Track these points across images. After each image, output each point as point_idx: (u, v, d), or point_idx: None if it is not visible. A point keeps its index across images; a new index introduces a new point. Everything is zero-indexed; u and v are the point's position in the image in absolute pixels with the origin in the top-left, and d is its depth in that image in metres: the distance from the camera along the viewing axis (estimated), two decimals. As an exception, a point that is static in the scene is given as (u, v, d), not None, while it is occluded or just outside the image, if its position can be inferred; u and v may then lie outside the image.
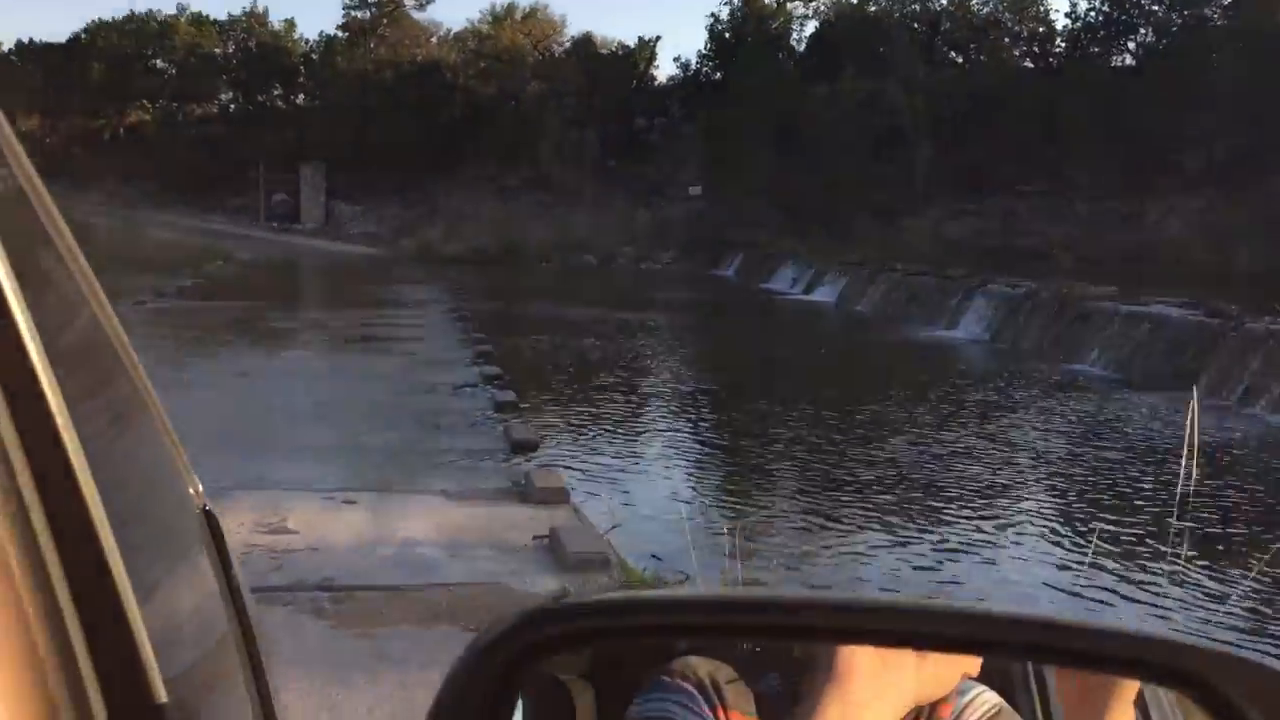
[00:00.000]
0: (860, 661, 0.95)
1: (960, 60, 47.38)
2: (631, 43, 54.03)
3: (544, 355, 18.90)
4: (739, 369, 18.71)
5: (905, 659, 0.98)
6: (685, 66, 52.92)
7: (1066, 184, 39.20)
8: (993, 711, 1.11)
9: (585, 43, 55.30)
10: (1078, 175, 38.62)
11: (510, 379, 14.76)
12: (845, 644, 0.95)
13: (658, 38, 70.20)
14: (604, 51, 54.13)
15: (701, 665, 1.12)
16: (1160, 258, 31.22)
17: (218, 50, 58.11)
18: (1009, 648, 0.86)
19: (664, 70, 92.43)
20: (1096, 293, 21.21)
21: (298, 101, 58.47)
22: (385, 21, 59.78)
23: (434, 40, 57.67)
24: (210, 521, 1.15)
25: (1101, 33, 43.23)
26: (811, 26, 49.91)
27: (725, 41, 50.75)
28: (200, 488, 1.20)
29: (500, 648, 0.83)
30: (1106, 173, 37.48)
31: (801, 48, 49.57)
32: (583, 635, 0.94)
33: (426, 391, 13.91)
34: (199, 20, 58.33)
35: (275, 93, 57.71)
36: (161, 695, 0.60)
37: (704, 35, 53.05)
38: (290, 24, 59.11)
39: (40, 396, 0.59)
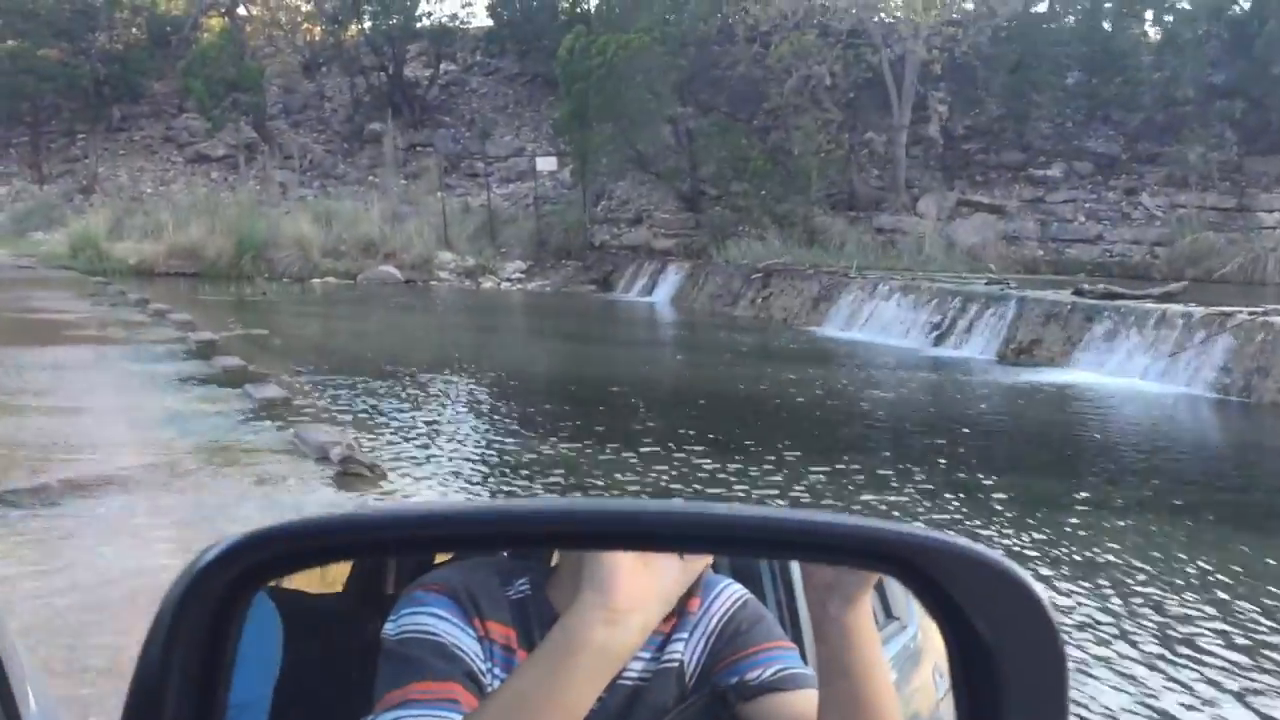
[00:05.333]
0: (622, 565, 0.94)
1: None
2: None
3: None
4: None
5: (665, 558, 0.96)
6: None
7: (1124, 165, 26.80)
8: (739, 603, 1.12)
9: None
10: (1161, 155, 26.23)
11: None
12: (604, 549, 0.95)
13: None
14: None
15: (455, 575, 1.09)
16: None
17: None
18: (740, 544, 0.90)
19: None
20: None
21: None
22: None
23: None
24: None
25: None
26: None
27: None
28: None
29: (213, 574, 0.78)
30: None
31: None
32: (308, 554, 0.91)
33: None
34: None
35: None
36: None
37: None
38: None
39: None
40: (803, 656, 1.12)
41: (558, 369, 13.47)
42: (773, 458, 7.90)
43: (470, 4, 46.60)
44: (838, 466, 7.72)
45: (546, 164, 28.91)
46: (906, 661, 1.29)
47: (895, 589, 1.17)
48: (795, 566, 1.18)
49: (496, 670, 1.06)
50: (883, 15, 27.67)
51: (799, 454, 8.19)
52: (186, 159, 34.87)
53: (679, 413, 10.01)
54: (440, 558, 1.20)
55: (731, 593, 1.14)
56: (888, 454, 8.57)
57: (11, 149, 35.14)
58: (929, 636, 1.19)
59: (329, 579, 1.30)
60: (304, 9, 38.53)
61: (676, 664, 1.11)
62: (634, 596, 0.95)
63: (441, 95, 38.06)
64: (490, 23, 37.60)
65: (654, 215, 29.97)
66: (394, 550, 1.07)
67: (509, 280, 26.33)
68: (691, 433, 8.68)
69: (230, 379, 9.78)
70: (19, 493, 5.37)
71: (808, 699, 1.04)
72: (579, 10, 36.49)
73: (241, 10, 35.95)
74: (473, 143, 35.53)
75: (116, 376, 9.80)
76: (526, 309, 21.60)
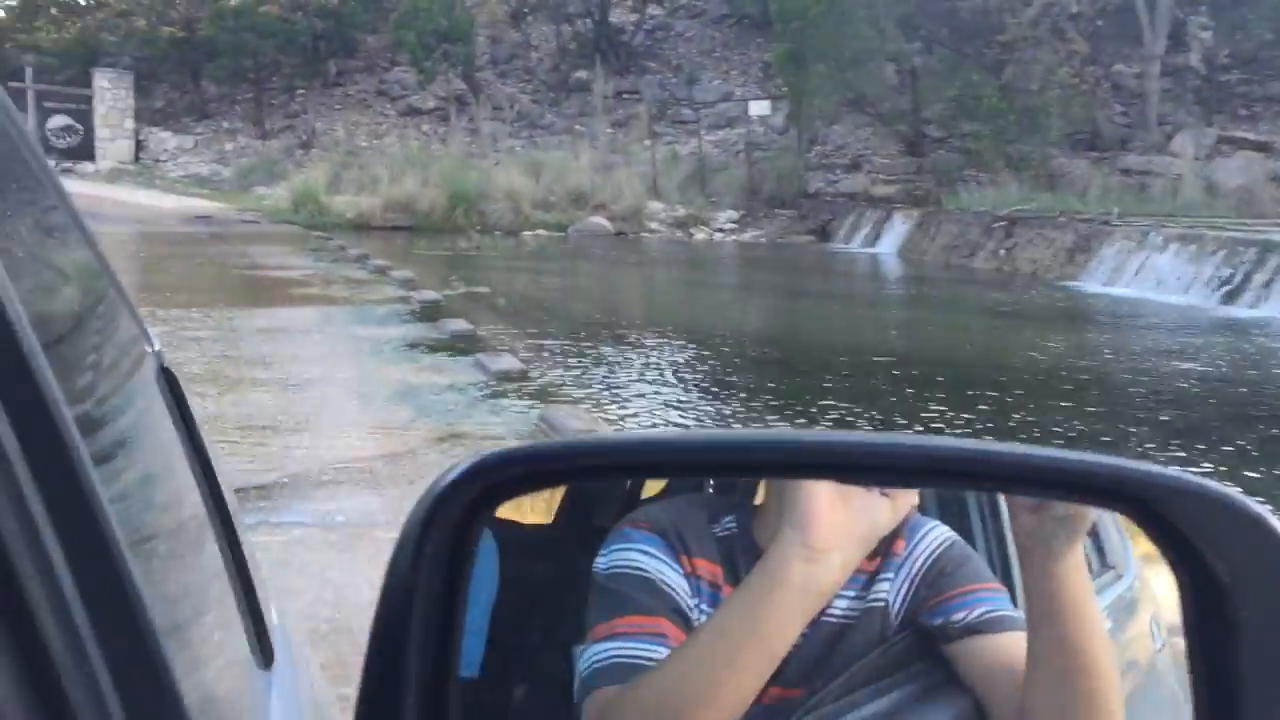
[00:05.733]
0: (821, 501, 0.94)
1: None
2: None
3: None
4: None
5: (864, 497, 0.95)
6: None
7: None
8: (946, 544, 1.10)
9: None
10: None
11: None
12: (800, 478, 0.95)
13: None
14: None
15: (663, 513, 1.11)
16: None
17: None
18: (953, 476, 0.89)
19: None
20: None
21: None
22: None
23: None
24: (170, 381, 1.08)
25: None
26: None
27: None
28: (157, 345, 1.14)
29: (456, 494, 0.82)
30: None
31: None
32: (540, 477, 0.94)
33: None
34: None
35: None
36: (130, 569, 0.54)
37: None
38: None
39: None
40: (1013, 600, 1.06)
41: (790, 332, 12.31)
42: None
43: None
44: (1187, 460, 6.29)
45: (759, 108, 27.52)
46: (1122, 611, 1.17)
47: (1111, 536, 1.10)
48: (1007, 507, 1.08)
49: (703, 606, 1.06)
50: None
51: (1122, 450, 6.78)
52: (399, 112, 35.16)
53: (937, 388, 8.68)
54: (649, 492, 1.21)
55: (938, 534, 1.10)
56: (1231, 447, 7.04)
57: (236, 106, 36.29)
58: (1146, 585, 1.13)
59: (541, 511, 1.28)
60: (510, -43, 38.17)
61: (881, 604, 1.08)
62: (832, 535, 0.95)
63: (647, 41, 37.07)
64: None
65: (872, 160, 28.24)
66: (612, 474, 1.10)
67: (721, 230, 25.24)
68: (960, 418, 7.40)
69: (460, 346, 9.09)
70: (243, 493, 4.64)
71: (1015, 642, 1.00)
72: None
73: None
74: (679, 89, 34.45)
75: (342, 342, 9.26)
76: (744, 262, 20.44)
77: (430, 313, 11.01)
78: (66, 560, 0.50)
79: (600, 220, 24.64)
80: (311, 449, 5.70)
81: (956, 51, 25.35)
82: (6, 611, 0.46)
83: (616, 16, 37.22)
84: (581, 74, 35.60)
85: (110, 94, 34.15)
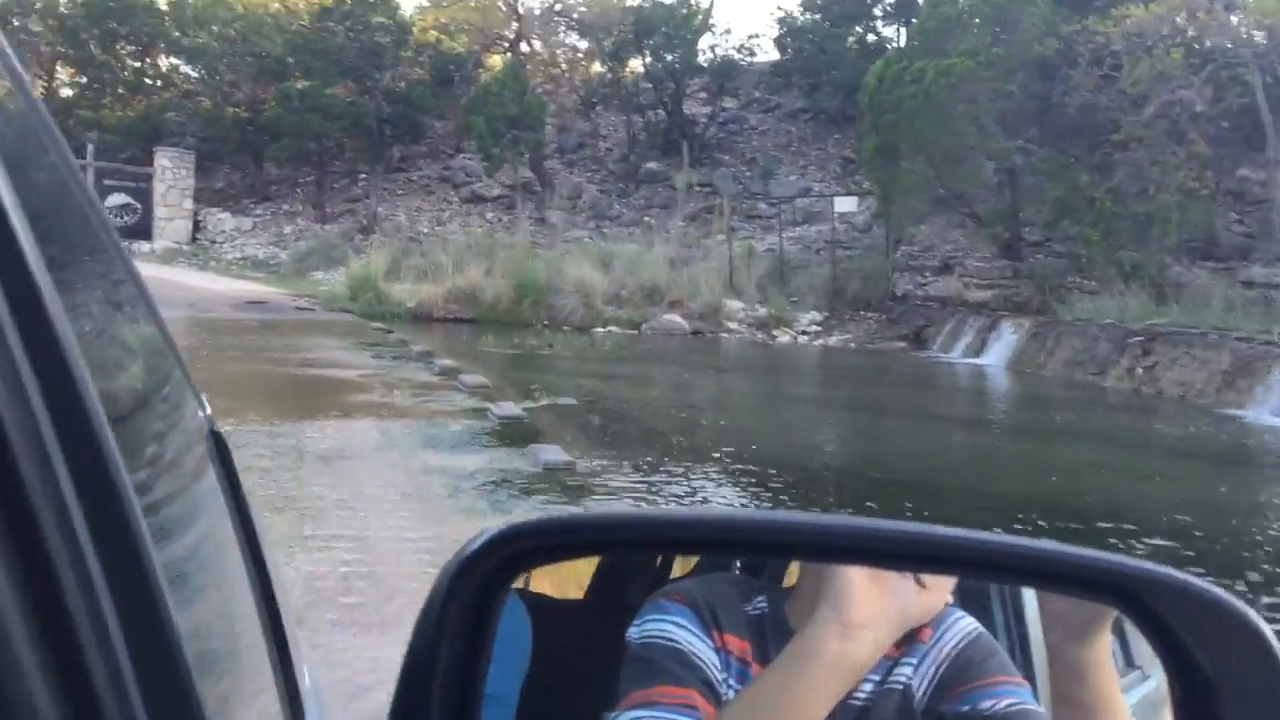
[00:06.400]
0: (857, 584, 0.97)
1: None
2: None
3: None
4: None
5: (898, 581, 0.99)
6: (785, 16, 33.64)
7: None
8: (973, 635, 1.12)
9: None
10: None
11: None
12: (831, 563, 0.98)
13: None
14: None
15: (696, 588, 1.13)
16: None
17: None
18: (940, 563, 0.92)
19: (734, 23, 68.49)
20: None
21: (158, 64, 37.77)
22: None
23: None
24: (218, 445, 1.10)
25: None
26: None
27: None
28: (208, 408, 1.13)
29: (478, 563, 0.85)
30: None
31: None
32: (561, 549, 0.96)
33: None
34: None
35: (121, 49, 36.82)
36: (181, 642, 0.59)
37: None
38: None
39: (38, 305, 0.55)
40: (1035, 697, 1.09)
41: (912, 465, 10.35)
42: None
43: (756, 36, 44.37)
44: None
45: (845, 204, 25.90)
46: (1148, 711, 1.16)
47: (1137, 636, 1.08)
48: (1030, 602, 1.14)
49: (732, 680, 1.08)
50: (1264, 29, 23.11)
51: None
52: (462, 199, 34.06)
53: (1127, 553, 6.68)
54: (680, 570, 1.23)
55: (965, 625, 1.12)
56: None
57: (297, 189, 35.38)
58: None
59: (574, 585, 1.30)
60: (582, 47, 37.30)
61: (903, 686, 1.08)
62: (868, 613, 0.98)
63: (720, 133, 35.85)
64: (775, 56, 35.10)
65: (964, 263, 26.44)
66: (635, 548, 1.11)
67: (805, 333, 23.43)
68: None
69: (560, 482, 7.27)
70: None
71: None
72: (877, 37, 33.54)
73: (524, 47, 34.94)
74: (754, 183, 33.07)
75: (409, 476, 7.42)
76: (838, 371, 18.49)
77: (514, 434, 9.21)
78: (118, 616, 0.53)
79: (676, 318, 22.94)
80: (371, 654, 3.85)
81: (1061, 151, 23.62)
82: (62, 666, 0.49)
83: (689, 108, 36.11)
84: (652, 165, 34.37)
85: (171, 173, 33.36)
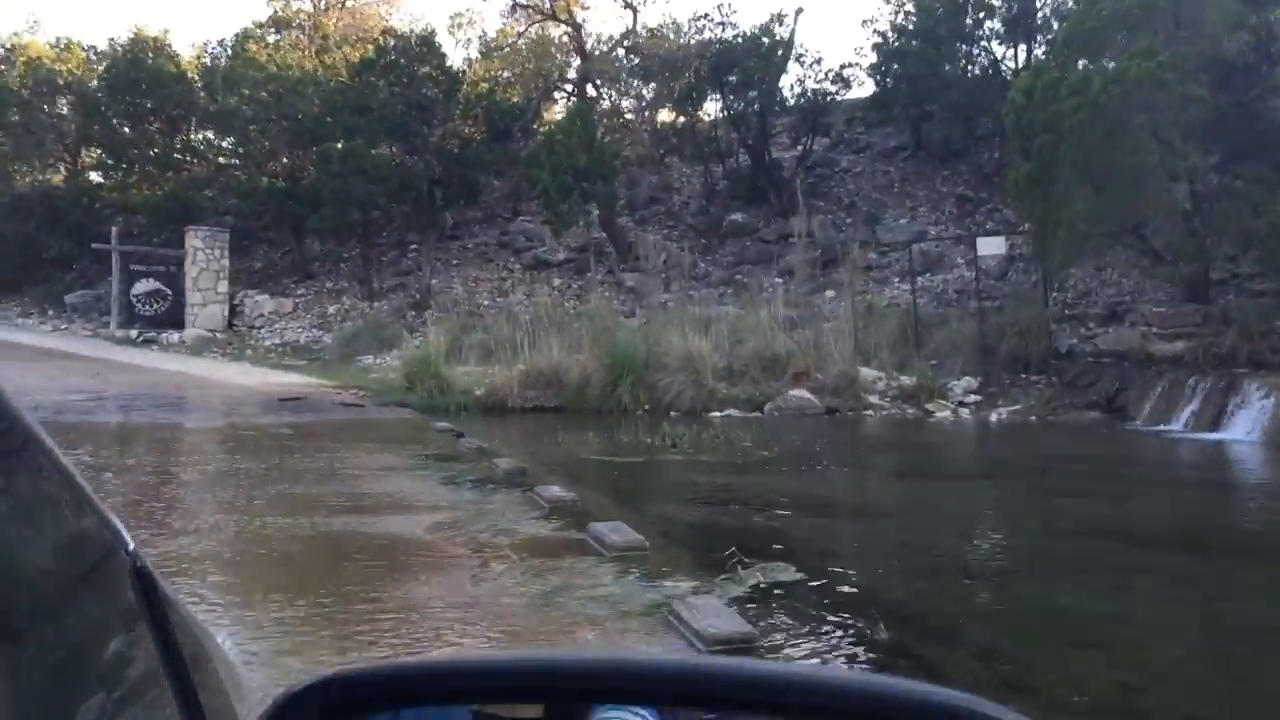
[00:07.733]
0: None
1: None
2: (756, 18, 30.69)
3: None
4: None
5: None
6: (882, 42, 29.53)
7: None
8: None
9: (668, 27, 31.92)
10: None
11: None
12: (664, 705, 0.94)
13: (799, 10, 47.56)
14: (711, 36, 30.75)
15: None
16: None
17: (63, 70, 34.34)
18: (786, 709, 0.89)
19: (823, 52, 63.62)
20: None
21: (188, 136, 34.53)
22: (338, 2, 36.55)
23: (415, 28, 33.92)
24: (144, 583, 0.99)
25: None
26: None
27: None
28: (130, 544, 1.00)
29: (292, 713, 0.82)
30: None
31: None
32: (379, 699, 0.94)
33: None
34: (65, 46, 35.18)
35: (150, 123, 33.62)
36: None
37: None
38: (164, 36, 35.81)
39: None
40: None
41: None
42: None
43: (851, 65, 40.36)
44: None
45: (990, 246, 21.51)
46: None
47: None
48: None
49: None
50: None
51: None
52: (524, 265, 30.16)
53: None
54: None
55: None
56: None
57: (342, 264, 31.73)
58: None
59: None
60: (648, 91, 33.41)
61: None
62: None
63: (809, 177, 31.71)
64: (871, 89, 30.99)
65: (1135, 308, 21.90)
66: (461, 699, 1.09)
67: (964, 405, 18.95)
68: None
69: None
70: None
71: None
72: (993, 57, 29.35)
73: (590, 90, 31.16)
74: (856, 230, 28.83)
75: None
76: (1061, 464, 13.69)
77: (702, 637, 4.88)
78: None
79: (805, 394, 18.59)
80: None
81: (1275, 168, 19.13)
82: None
83: (774, 152, 32.10)
84: (736, 216, 30.31)
85: (203, 254, 29.89)
